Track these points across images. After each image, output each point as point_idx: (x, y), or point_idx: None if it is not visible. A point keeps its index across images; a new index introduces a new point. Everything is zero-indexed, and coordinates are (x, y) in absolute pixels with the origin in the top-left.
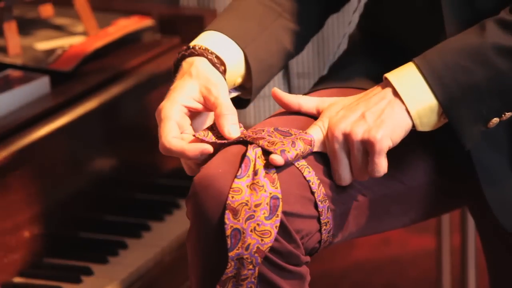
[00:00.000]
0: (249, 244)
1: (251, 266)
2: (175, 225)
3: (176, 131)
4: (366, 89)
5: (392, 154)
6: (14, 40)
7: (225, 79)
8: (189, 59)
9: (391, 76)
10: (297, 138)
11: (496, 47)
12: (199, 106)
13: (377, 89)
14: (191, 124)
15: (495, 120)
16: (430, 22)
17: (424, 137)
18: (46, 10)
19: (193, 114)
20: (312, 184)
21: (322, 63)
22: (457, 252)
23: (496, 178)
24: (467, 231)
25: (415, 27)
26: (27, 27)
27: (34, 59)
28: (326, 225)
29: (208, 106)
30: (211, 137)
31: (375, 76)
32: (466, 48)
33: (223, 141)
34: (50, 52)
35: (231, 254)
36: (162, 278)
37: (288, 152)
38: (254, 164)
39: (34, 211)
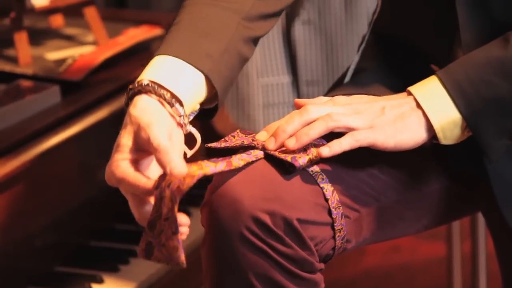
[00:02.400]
0: (170, 183)
1: (170, 203)
2: None
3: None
4: (380, 95)
5: (405, 160)
6: (24, 50)
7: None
8: (134, 99)
9: (414, 89)
10: (308, 144)
11: None
12: (143, 151)
13: (400, 95)
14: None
15: None
16: (445, 29)
17: (436, 143)
18: (57, 20)
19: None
20: (326, 191)
21: (331, 71)
22: (468, 259)
23: (509, 183)
24: (478, 238)
25: (429, 32)
26: (37, 37)
27: (44, 69)
28: (340, 232)
29: (147, 148)
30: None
31: (390, 82)
32: (489, 62)
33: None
34: (61, 61)
35: (155, 193)
36: (173, 286)
37: (300, 158)
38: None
39: (45, 220)
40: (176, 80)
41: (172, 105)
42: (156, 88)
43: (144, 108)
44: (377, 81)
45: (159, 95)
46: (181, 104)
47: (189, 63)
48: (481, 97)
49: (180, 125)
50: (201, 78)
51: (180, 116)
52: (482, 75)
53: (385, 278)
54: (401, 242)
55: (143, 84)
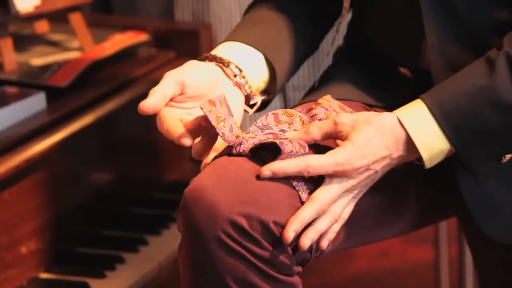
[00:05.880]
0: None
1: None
2: (172, 239)
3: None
4: (351, 100)
5: None
6: (9, 56)
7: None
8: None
9: (405, 120)
10: (293, 140)
11: (508, 90)
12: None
13: (394, 134)
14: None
15: (508, 156)
16: (411, 31)
17: None
18: (42, 26)
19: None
20: (302, 193)
21: (318, 76)
22: (455, 263)
23: (480, 187)
24: (465, 242)
25: (396, 36)
26: (22, 43)
27: (29, 75)
28: None
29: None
30: (213, 114)
31: (360, 86)
32: (477, 91)
33: (220, 130)
34: (46, 67)
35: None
36: None
37: (286, 145)
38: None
39: (31, 226)
40: (237, 54)
41: (227, 66)
42: (215, 56)
43: (192, 64)
44: (348, 85)
45: (214, 59)
46: (238, 68)
47: (248, 44)
48: (471, 128)
49: (238, 85)
50: (261, 58)
51: (235, 76)
52: (471, 106)
53: (374, 282)
54: (389, 247)
55: (204, 55)
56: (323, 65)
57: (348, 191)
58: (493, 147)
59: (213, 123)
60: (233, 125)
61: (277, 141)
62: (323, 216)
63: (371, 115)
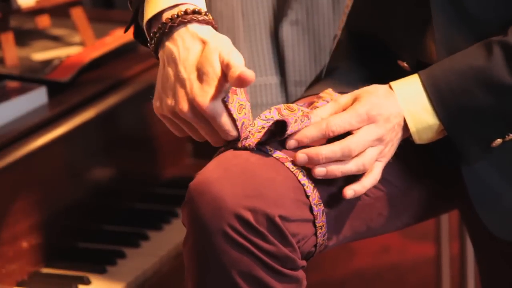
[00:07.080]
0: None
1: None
2: (173, 234)
3: None
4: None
5: None
6: (11, 51)
7: None
8: (182, 32)
9: (397, 88)
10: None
11: (500, 72)
12: None
13: (391, 96)
14: None
15: (498, 140)
16: (414, 25)
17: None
18: (43, 21)
19: None
20: (307, 187)
21: (319, 71)
22: (456, 259)
23: (482, 181)
24: (466, 238)
25: (398, 29)
26: (24, 37)
27: (31, 69)
28: (321, 229)
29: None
30: (235, 105)
31: (362, 78)
32: (471, 71)
33: (239, 121)
34: (47, 62)
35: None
36: (161, 287)
37: (289, 117)
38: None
39: (32, 221)
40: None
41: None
42: (197, 14)
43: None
44: (350, 78)
45: (205, 21)
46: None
47: None
48: (461, 107)
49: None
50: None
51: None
52: (464, 85)
53: (375, 278)
54: (390, 243)
55: (181, 15)
56: (324, 60)
57: (377, 140)
58: (482, 127)
59: (234, 115)
60: (249, 109)
61: (280, 118)
62: (351, 160)
63: (367, 87)
